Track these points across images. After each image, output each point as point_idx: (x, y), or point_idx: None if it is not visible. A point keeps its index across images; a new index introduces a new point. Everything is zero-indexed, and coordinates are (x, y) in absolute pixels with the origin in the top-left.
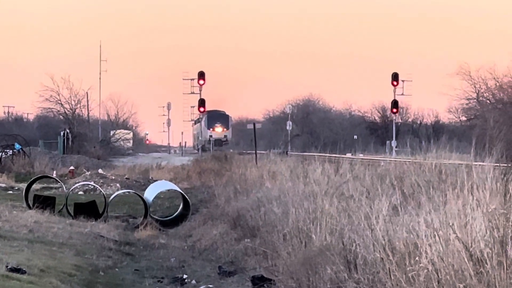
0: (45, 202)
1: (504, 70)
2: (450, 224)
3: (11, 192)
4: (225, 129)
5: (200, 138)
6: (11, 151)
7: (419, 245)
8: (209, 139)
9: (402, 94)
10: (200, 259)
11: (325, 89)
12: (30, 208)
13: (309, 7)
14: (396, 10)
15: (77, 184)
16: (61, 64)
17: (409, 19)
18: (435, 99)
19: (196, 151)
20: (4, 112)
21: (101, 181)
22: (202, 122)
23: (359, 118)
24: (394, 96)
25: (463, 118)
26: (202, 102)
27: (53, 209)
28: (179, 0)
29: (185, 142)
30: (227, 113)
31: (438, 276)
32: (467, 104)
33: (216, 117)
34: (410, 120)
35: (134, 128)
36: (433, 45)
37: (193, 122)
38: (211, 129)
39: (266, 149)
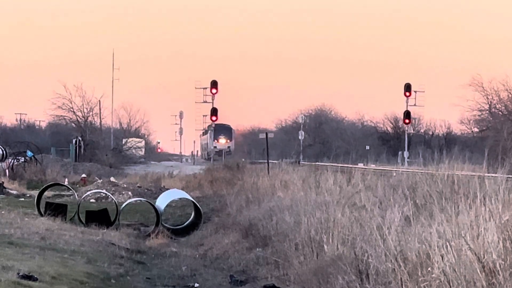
0: (57, 210)
1: None
2: (463, 235)
3: (23, 199)
4: (228, 141)
5: (206, 148)
6: (23, 158)
7: (431, 256)
8: (214, 149)
9: (415, 105)
10: (212, 268)
11: (338, 99)
12: (41, 215)
13: (322, 17)
14: (409, 20)
15: (89, 192)
16: (74, 72)
17: (422, 29)
18: (447, 110)
19: (204, 160)
20: (17, 119)
21: (113, 189)
22: (208, 134)
23: (371, 128)
24: (407, 107)
25: (475, 130)
26: (214, 111)
27: (65, 217)
28: (191, 9)
29: (197, 151)
30: (230, 126)
31: (450, 287)
32: (479, 115)
33: (221, 129)
34: (422, 131)
35: (146, 136)
36: (446, 56)
37: (202, 133)
38: (215, 141)
39: (278, 159)
